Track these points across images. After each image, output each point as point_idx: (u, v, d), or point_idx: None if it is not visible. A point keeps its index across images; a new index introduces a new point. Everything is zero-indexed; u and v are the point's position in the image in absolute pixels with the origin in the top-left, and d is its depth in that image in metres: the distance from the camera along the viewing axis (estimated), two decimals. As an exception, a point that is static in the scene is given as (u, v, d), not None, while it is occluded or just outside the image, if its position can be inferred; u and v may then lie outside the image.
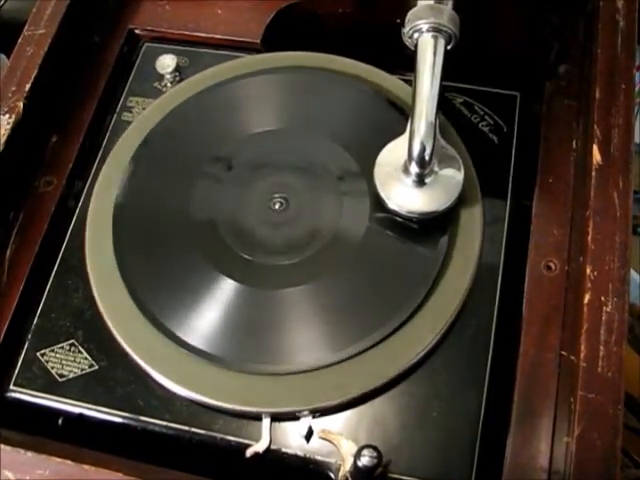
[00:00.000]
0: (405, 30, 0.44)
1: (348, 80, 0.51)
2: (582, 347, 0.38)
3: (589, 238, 0.41)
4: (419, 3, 0.43)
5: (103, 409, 0.43)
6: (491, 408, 0.42)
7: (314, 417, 0.42)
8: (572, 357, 0.40)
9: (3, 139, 0.48)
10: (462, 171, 0.44)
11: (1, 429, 0.42)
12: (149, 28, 0.58)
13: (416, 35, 0.43)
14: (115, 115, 0.54)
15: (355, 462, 0.38)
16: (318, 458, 0.41)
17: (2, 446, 0.38)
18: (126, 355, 0.43)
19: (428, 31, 0.43)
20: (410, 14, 0.43)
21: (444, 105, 0.51)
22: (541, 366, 0.42)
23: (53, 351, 0.45)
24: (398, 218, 0.44)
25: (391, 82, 0.51)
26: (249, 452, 0.41)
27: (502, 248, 0.46)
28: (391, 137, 0.46)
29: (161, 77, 0.54)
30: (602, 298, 0.39)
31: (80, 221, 0.49)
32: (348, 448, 0.40)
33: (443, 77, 0.43)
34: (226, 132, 0.50)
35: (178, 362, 0.43)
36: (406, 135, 0.44)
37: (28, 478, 0.37)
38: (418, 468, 0.40)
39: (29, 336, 0.46)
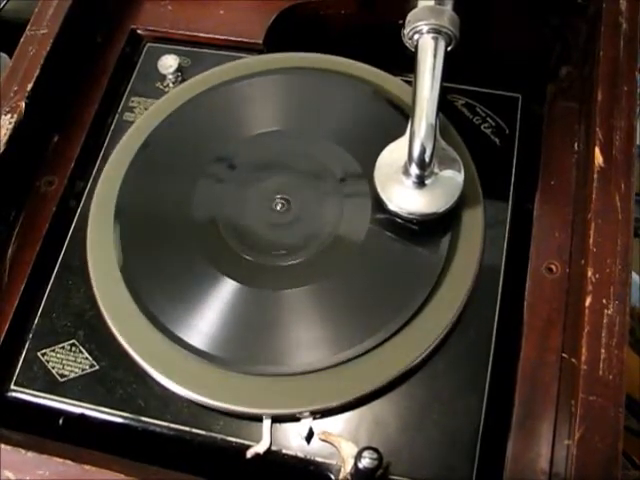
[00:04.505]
0: (405, 31, 0.44)
1: (350, 81, 0.51)
2: (583, 350, 0.38)
3: (590, 241, 0.41)
4: (419, 4, 0.43)
5: (104, 409, 0.43)
6: (492, 410, 0.42)
7: (315, 418, 0.42)
8: (573, 360, 0.40)
9: (5, 139, 0.48)
10: (462, 172, 0.44)
11: (2, 429, 0.42)
12: (151, 28, 0.58)
13: (416, 36, 0.43)
14: (117, 115, 0.54)
15: (356, 464, 0.38)
16: (318, 459, 0.41)
17: (3, 446, 0.38)
18: (127, 355, 0.43)
19: (428, 32, 0.43)
20: (410, 15, 0.43)
21: (446, 107, 0.51)
22: (542, 369, 0.42)
23: (54, 351, 0.45)
24: (399, 220, 0.44)
25: (392, 83, 0.51)
26: (250, 453, 0.41)
27: (503, 250, 0.46)
28: (392, 138, 0.46)
29: (163, 77, 0.54)
30: (603, 301, 0.39)
31: (81, 221, 0.49)
32: (348, 450, 0.40)
33: (443, 78, 0.43)
34: (228, 133, 0.50)
35: (179, 363, 0.43)
36: (406, 136, 0.44)
37: (28, 478, 0.37)
38: (418, 470, 0.40)
39: (30, 336, 0.46)
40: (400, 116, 0.48)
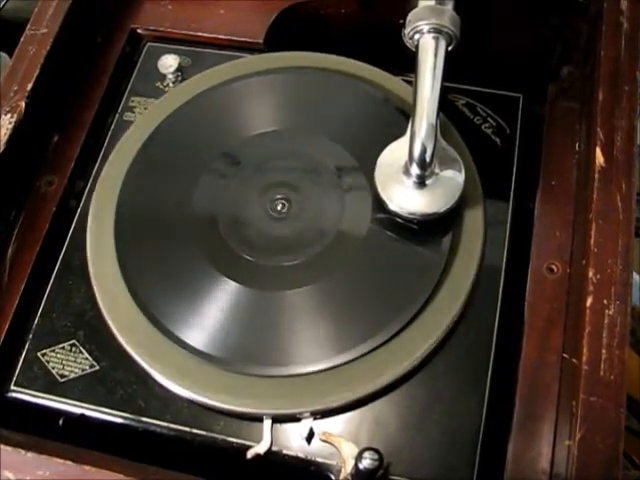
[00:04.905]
0: (406, 31, 0.44)
1: (350, 81, 0.51)
2: (584, 350, 0.38)
3: (591, 241, 0.41)
4: (420, 4, 0.43)
5: (104, 410, 0.43)
6: (492, 411, 0.42)
7: (315, 419, 0.42)
8: (574, 360, 0.40)
9: (5, 139, 0.48)
10: (463, 172, 0.44)
11: (2, 429, 0.42)
12: (151, 28, 0.57)
13: (417, 36, 0.43)
14: (117, 115, 0.54)
15: (356, 464, 0.38)
16: (319, 460, 0.41)
17: (2, 446, 0.38)
18: (127, 356, 0.43)
19: (429, 32, 0.43)
20: (411, 15, 0.43)
21: (447, 106, 0.51)
22: (543, 369, 0.42)
23: (54, 351, 0.45)
24: (399, 220, 0.44)
25: (393, 83, 0.51)
26: (250, 453, 0.41)
27: (504, 250, 0.46)
28: (393, 138, 0.45)
29: (163, 77, 0.54)
30: (604, 301, 0.39)
31: (81, 221, 0.49)
32: (349, 450, 0.40)
33: (444, 78, 0.43)
34: (228, 133, 0.50)
35: (179, 363, 0.42)
36: (407, 136, 0.44)
37: (29, 478, 0.37)
38: (419, 471, 0.40)
39: (30, 336, 0.46)
40: (401, 116, 0.48)
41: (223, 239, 0.46)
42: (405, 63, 0.47)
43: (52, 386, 0.44)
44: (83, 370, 0.44)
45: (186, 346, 0.43)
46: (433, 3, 0.43)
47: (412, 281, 0.43)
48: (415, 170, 0.43)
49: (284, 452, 0.41)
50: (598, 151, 0.43)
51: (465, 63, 0.47)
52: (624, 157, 0.43)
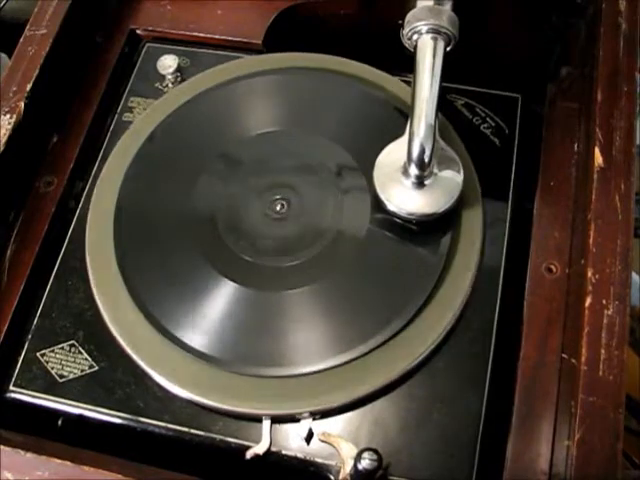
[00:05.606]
0: (404, 32, 0.44)
1: (349, 81, 0.51)
2: (583, 350, 0.38)
3: (590, 241, 0.41)
4: (418, 4, 0.43)
5: (103, 410, 0.43)
6: (492, 411, 0.42)
7: (314, 419, 0.42)
8: (573, 360, 0.40)
9: (4, 139, 0.48)
10: (461, 173, 0.44)
11: (1, 430, 0.42)
12: (150, 28, 0.58)
13: (415, 37, 0.43)
14: (116, 115, 0.54)
15: (355, 465, 0.38)
16: (318, 460, 0.41)
17: (2, 447, 0.38)
18: (126, 356, 0.43)
19: (427, 33, 0.43)
20: (409, 16, 0.43)
21: (445, 107, 0.51)
22: (542, 369, 0.42)
23: (53, 352, 0.45)
24: (398, 220, 0.44)
25: (392, 83, 0.51)
26: (249, 454, 0.41)
27: (503, 250, 0.46)
28: (392, 138, 0.46)
29: (162, 78, 0.54)
30: (603, 301, 0.39)
31: (80, 222, 0.49)
32: (348, 451, 0.40)
33: (442, 78, 0.43)
34: (227, 133, 0.50)
35: (178, 363, 0.42)
36: (405, 137, 0.44)
37: (27, 479, 0.37)
38: (418, 471, 0.40)
39: (29, 336, 0.46)
40: (399, 116, 0.48)
41: (222, 239, 0.46)
42: (404, 64, 0.47)
43: (51, 386, 0.44)
44: (82, 370, 0.44)
45: (185, 346, 0.42)
46: (431, 4, 0.43)
47: (411, 281, 0.43)
48: (414, 170, 0.43)
49: (283, 452, 0.41)
50: (597, 151, 0.43)
51: (464, 63, 0.47)
52: (623, 157, 0.43)
